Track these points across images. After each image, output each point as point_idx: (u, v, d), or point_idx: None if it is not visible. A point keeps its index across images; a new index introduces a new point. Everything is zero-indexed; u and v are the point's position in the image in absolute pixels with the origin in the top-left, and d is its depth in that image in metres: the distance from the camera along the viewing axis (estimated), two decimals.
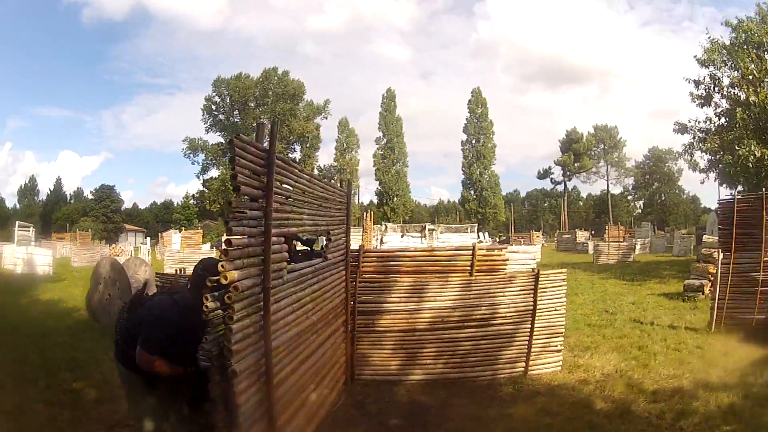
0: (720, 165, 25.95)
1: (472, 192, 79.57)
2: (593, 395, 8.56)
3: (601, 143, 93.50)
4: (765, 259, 12.34)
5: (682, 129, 28.46)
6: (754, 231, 12.55)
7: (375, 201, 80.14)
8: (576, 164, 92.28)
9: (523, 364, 9.33)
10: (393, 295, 8.89)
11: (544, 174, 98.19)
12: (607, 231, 47.39)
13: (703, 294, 17.43)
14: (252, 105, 72.23)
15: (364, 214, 40.09)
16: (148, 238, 65.10)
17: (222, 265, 4.35)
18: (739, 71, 24.84)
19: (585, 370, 9.87)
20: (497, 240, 59.91)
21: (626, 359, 10.67)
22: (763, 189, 12.84)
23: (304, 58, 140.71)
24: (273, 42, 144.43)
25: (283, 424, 5.45)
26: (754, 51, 24.48)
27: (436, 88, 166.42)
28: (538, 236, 66.78)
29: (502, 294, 9.23)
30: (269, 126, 5.28)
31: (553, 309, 9.55)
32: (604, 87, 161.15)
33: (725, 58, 26.06)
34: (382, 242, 37.55)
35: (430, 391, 8.61)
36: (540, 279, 9.36)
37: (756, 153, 22.03)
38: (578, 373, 9.72)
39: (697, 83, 26.86)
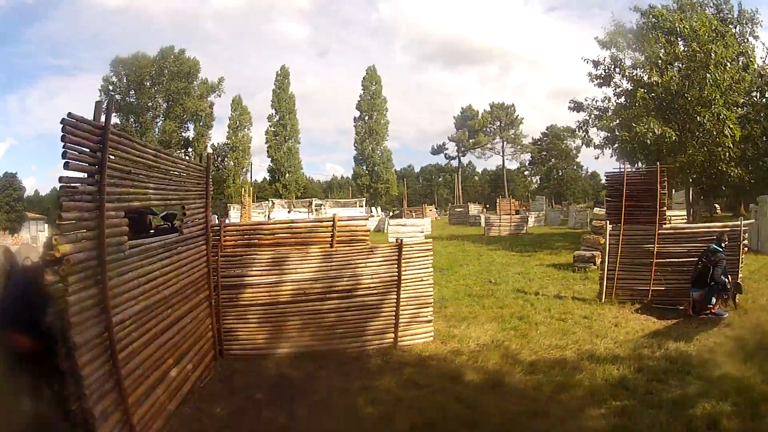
0: (617, 142, 27.27)
1: (364, 167, 79.40)
2: (465, 366, 8.50)
3: (498, 120, 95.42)
4: (659, 231, 12.46)
5: (577, 107, 29.70)
6: (646, 204, 12.70)
7: (267, 178, 78.70)
8: (471, 140, 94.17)
9: (392, 335, 9.39)
10: (254, 269, 8.85)
11: (438, 150, 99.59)
12: (498, 204, 47.59)
13: (594, 265, 17.32)
14: (148, 84, 69.36)
15: (242, 190, 39.50)
16: (46, 225, 61.37)
17: (55, 239, 4.37)
18: (644, 54, 26.15)
19: (459, 340, 9.81)
20: (389, 214, 60.28)
21: (505, 329, 10.63)
22: (657, 164, 13.34)
23: (205, 37, 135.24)
24: (175, 20, 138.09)
25: (139, 397, 5.50)
26: (664, 36, 25.67)
27: (334, 67, 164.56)
28: (431, 210, 67.91)
29: (364, 265, 9.20)
30: (105, 103, 5.24)
31: (420, 279, 9.55)
32: (504, 67, 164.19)
33: (630, 42, 27.37)
34: (269, 218, 37.37)
35: (297, 364, 8.54)
36: (404, 250, 9.31)
37: (656, 130, 23.22)
38: (452, 343, 9.66)
39: (596, 63, 27.92)
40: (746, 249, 12.01)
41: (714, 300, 11.16)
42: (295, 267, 8.96)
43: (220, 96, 72.26)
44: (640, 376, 7.89)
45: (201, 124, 70.17)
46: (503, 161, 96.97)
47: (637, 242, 12.72)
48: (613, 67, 27.53)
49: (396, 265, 9.29)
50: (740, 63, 26.47)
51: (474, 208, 60.14)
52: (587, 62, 28.03)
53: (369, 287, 9.22)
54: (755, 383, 7.38)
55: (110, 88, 68.27)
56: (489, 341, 9.78)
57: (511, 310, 12.27)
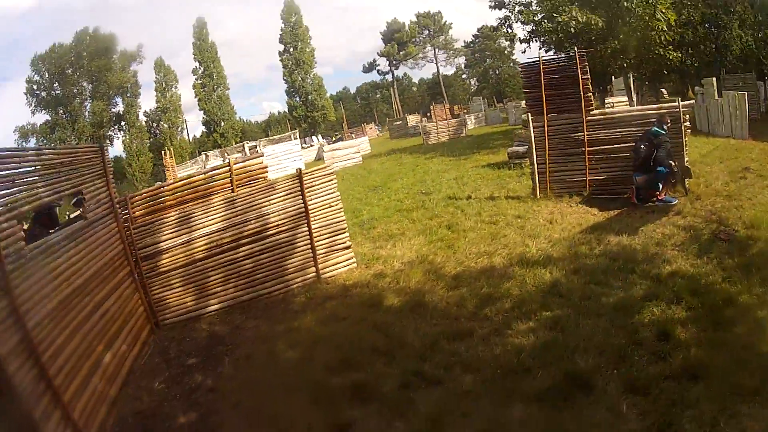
0: (543, 34, 26.74)
1: (298, 99, 77.64)
2: (387, 290, 8.24)
3: (426, 29, 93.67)
4: (587, 118, 11.99)
5: (499, 4, 28.81)
6: (568, 91, 12.11)
7: (205, 131, 76.69)
8: (401, 53, 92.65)
9: (314, 269, 9.33)
10: (165, 233, 8.67)
11: (369, 67, 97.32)
12: (433, 110, 47.11)
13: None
14: (69, 72, 66.16)
15: (162, 152, 38.28)
16: None
17: None
18: None
19: (384, 261, 9.66)
20: (332, 140, 59.62)
21: (431, 242, 10.32)
22: (575, 49, 12.52)
23: (119, 10, 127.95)
24: (89, 2, 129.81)
25: (75, 391, 5.37)
26: None
27: (252, 6, 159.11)
28: (370, 128, 66.82)
29: (267, 203, 9.09)
30: None
31: (328, 206, 9.41)
32: None
33: None
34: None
35: (227, 318, 8.47)
36: (305, 179, 9.20)
37: (579, 18, 22.55)
38: (376, 266, 9.47)
39: None
40: (689, 130, 11.51)
41: (661, 185, 10.70)
42: (201, 221, 8.83)
43: (141, 63, 69.09)
44: (576, 279, 7.43)
45: (128, 95, 66.87)
46: (437, 68, 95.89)
47: (564, 132, 12.30)
48: None
49: (300, 197, 9.13)
50: None
51: (413, 119, 59.09)
52: None
53: (278, 225, 9.16)
54: (714, 282, 6.73)
55: (34, 87, 65.47)
56: (414, 257, 9.55)
57: (441, 220, 12.00)
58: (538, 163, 12.54)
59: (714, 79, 22.86)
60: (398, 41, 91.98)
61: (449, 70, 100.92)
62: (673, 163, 10.61)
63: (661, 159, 10.52)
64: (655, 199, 10.82)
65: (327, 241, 9.43)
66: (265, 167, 9.41)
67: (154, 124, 67.76)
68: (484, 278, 7.93)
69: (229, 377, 6.56)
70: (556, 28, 23.64)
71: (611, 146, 11.90)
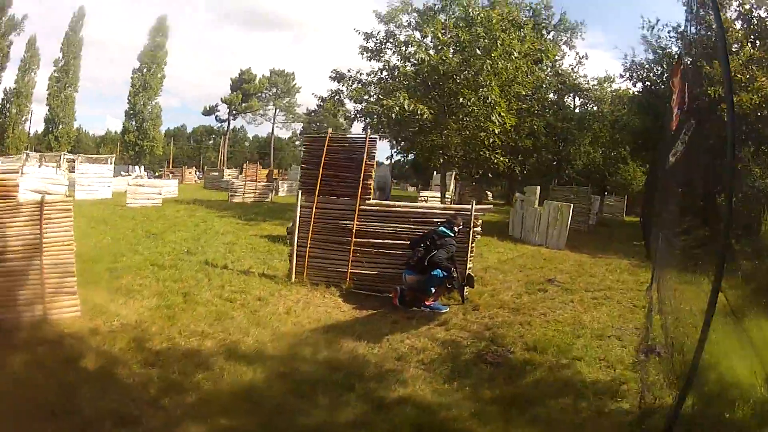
0: (367, 116, 25.95)
1: (134, 123, 74.09)
2: (90, 350, 7.10)
3: (275, 87, 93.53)
4: (361, 206, 10.78)
5: (339, 77, 27.49)
6: (347, 174, 10.99)
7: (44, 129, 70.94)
8: (243, 104, 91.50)
9: (42, 306, 8.13)
10: None
11: (210, 111, 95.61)
12: (245, 169, 47.05)
13: None
14: None
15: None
16: None
17: None
18: (424, 33, 24.96)
19: (107, 317, 8.35)
20: (154, 174, 56.81)
21: (159, 307, 9.04)
22: (376, 133, 12.10)
23: None
24: None
25: None
26: (454, 20, 24.92)
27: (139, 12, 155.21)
28: (190, 172, 64.90)
29: (10, 224, 8.05)
30: None
31: (62, 243, 8.25)
32: (299, 37, 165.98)
33: (413, 20, 26.27)
34: (22, 173, 32.24)
35: None
36: (46, 209, 8.13)
37: (405, 105, 21.65)
38: (98, 320, 8.22)
39: (368, 36, 26.31)
40: (478, 236, 10.52)
41: (433, 290, 9.35)
42: None
43: (19, 35, 63.87)
44: (279, 386, 6.14)
45: None
46: (272, 128, 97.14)
47: (334, 217, 11.01)
48: (385, 41, 26.23)
49: (38, 226, 8.11)
50: (540, 60, 26.72)
51: (229, 173, 58.78)
52: (359, 33, 26.45)
53: (15, 250, 8.06)
54: (455, 418, 5.46)
55: None
56: (134, 321, 8.33)
57: (182, 285, 10.54)
58: (298, 245, 11.12)
59: (537, 187, 23.02)
60: (245, 91, 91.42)
61: (286, 134, 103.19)
62: (452, 268, 9.33)
63: (438, 260, 9.22)
64: (422, 304, 9.40)
65: (57, 280, 8.30)
66: (17, 185, 8.64)
67: (8, 105, 63.31)
68: (183, 362, 6.71)
69: None
70: (379, 111, 22.95)
71: (381, 240, 10.61)
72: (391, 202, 11.49)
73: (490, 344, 7.59)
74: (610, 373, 6.61)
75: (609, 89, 41.91)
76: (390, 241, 10.48)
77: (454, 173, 31.49)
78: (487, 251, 16.23)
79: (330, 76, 27.69)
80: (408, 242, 9.96)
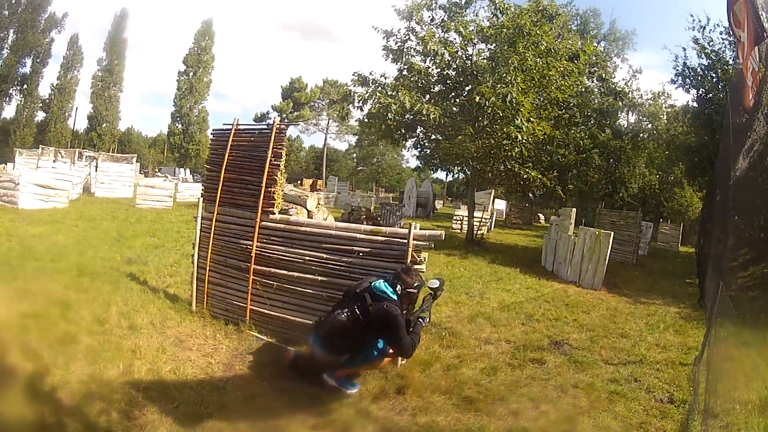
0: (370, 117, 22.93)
1: (180, 126, 74.23)
2: None
3: (327, 97, 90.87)
4: (262, 221, 7.54)
5: (363, 81, 23.62)
6: (252, 179, 7.67)
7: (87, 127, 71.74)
8: (295, 113, 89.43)
9: None
10: None
11: (261, 118, 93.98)
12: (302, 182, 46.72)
13: None
14: (7, 14, 60.57)
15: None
16: None
17: None
18: (448, 30, 21.83)
19: None
20: (201, 177, 55.80)
21: (41, 316, 6.92)
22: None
23: None
24: None
25: None
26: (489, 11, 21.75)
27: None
28: None
29: None
30: None
31: None
32: (351, 50, 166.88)
33: (440, 17, 22.86)
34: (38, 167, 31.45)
35: None
36: None
37: (406, 104, 19.00)
38: None
39: (388, 34, 23.02)
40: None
41: (361, 368, 6.04)
42: None
43: (60, 32, 64.92)
44: None
45: (38, 60, 62.63)
46: (325, 138, 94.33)
47: (233, 235, 7.81)
48: (406, 38, 22.88)
49: None
50: (577, 57, 22.50)
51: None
52: (378, 31, 23.08)
53: None
54: None
55: None
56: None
57: (85, 296, 8.16)
58: (198, 268, 8.13)
59: (573, 209, 19.44)
60: (295, 100, 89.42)
61: (342, 145, 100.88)
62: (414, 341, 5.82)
63: (403, 340, 5.68)
64: (328, 374, 5.83)
65: None
66: None
67: (54, 100, 64.07)
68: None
69: None
70: (378, 110, 20.03)
71: (288, 272, 7.24)
72: (301, 219, 7.76)
73: None
74: None
75: (665, 105, 37.87)
76: (300, 275, 7.13)
77: (492, 191, 27.78)
78: (495, 288, 12.41)
79: (352, 79, 24.19)
80: (320, 276, 6.90)
